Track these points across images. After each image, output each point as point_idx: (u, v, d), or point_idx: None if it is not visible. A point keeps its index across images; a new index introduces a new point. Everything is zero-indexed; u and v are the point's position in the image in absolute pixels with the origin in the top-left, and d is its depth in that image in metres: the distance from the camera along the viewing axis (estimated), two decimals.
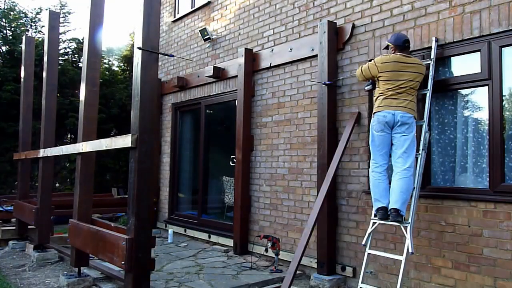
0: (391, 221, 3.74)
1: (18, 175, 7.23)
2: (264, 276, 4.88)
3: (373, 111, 4.02)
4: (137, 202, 3.44)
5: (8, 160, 10.41)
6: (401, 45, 4.02)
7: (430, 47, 4.13)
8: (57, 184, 12.04)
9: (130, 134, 3.48)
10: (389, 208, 3.75)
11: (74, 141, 11.79)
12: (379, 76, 4.02)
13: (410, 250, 3.55)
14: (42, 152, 5.78)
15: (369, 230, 3.92)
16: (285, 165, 5.65)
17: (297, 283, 4.78)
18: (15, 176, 10.30)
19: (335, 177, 4.72)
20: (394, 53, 4.06)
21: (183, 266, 5.35)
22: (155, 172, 8.17)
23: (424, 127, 3.95)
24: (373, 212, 3.95)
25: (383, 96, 3.94)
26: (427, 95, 4.01)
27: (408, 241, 3.59)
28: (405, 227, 3.67)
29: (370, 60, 4.64)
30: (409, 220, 3.68)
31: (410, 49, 4.29)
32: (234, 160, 6.26)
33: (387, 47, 4.21)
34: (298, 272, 4.97)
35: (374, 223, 3.90)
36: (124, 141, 3.58)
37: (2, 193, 10.18)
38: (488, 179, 3.76)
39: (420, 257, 4.08)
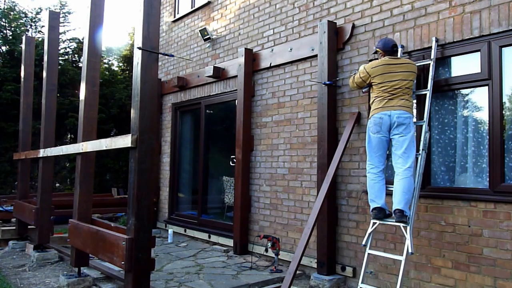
0: (396, 222, 3.72)
1: (18, 175, 7.23)
2: (264, 276, 4.88)
3: (370, 115, 4.04)
4: (137, 202, 3.44)
5: (8, 160, 10.42)
6: (390, 49, 4.08)
7: (430, 47, 4.13)
8: (57, 184, 12.05)
9: (130, 134, 3.48)
10: (393, 209, 3.75)
11: (74, 141, 11.79)
12: (372, 82, 4.06)
13: (410, 250, 3.55)
14: (42, 152, 5.78)
15: (369, 230, 3.92)
16: (285, 165, 5.65)
17: (297, 283, 4.78)
18: (15, 176, 10.31)
19: (335, 177, 4.72)
20: (383, 57, 4.10)
21: (183, 266, 5.35)
22: (155, 172, 8.17)
23: (424, 127, 3.95)
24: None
25: (379, 99, 3.97)
26: (427, 95, 4.01)
27: (408, 241, 3.59)
28: (405, 227, 3.67)
29: (370, 61, 4.65)
30: (409, 221, 3.68)
31: (410, 49, 4.30)
32: (234, 160, 6.26)
33: (376, 52, 4.23)
34: (298, 272, 4.97)
35: (374, 223, 3.90)
36: (124, 141, 3.58)
37: (2, 193, 10.18)
38: (488, 179, 3.75)
39: (420, 257, 4.08)
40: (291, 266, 4.04)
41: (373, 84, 4.06)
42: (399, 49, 4.28)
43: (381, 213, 3.84)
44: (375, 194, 3.90)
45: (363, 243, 3.93)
